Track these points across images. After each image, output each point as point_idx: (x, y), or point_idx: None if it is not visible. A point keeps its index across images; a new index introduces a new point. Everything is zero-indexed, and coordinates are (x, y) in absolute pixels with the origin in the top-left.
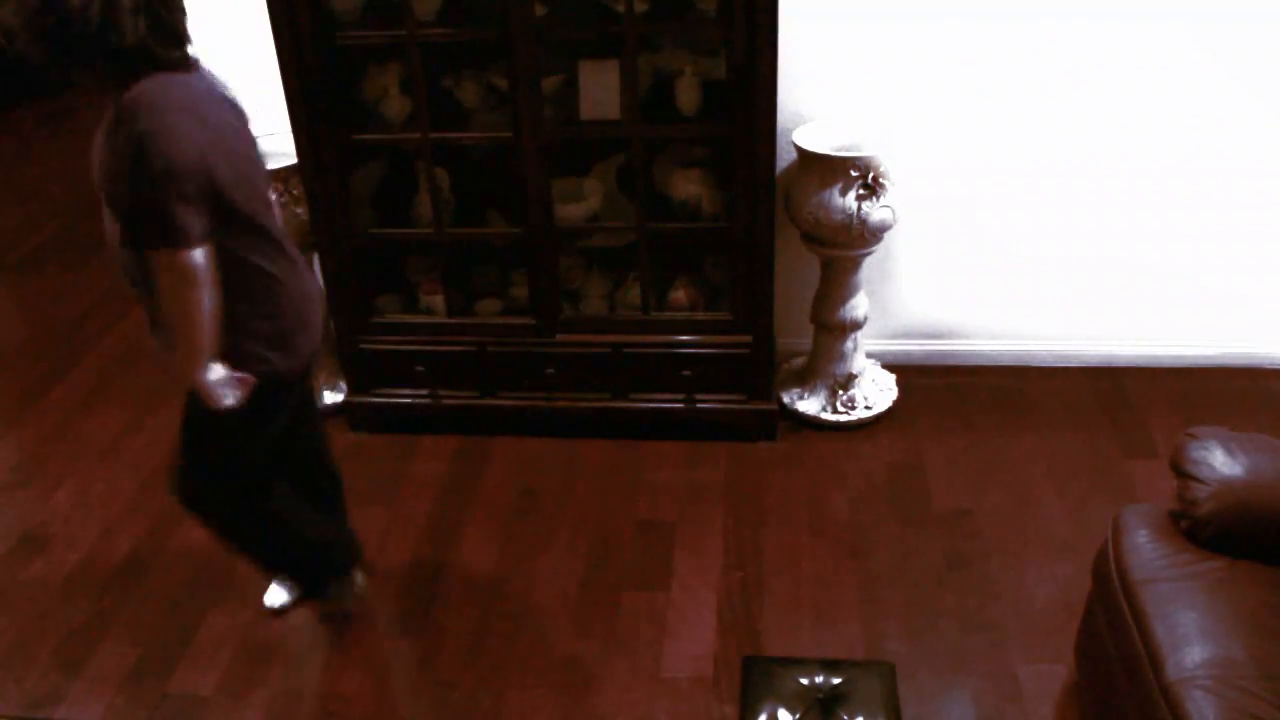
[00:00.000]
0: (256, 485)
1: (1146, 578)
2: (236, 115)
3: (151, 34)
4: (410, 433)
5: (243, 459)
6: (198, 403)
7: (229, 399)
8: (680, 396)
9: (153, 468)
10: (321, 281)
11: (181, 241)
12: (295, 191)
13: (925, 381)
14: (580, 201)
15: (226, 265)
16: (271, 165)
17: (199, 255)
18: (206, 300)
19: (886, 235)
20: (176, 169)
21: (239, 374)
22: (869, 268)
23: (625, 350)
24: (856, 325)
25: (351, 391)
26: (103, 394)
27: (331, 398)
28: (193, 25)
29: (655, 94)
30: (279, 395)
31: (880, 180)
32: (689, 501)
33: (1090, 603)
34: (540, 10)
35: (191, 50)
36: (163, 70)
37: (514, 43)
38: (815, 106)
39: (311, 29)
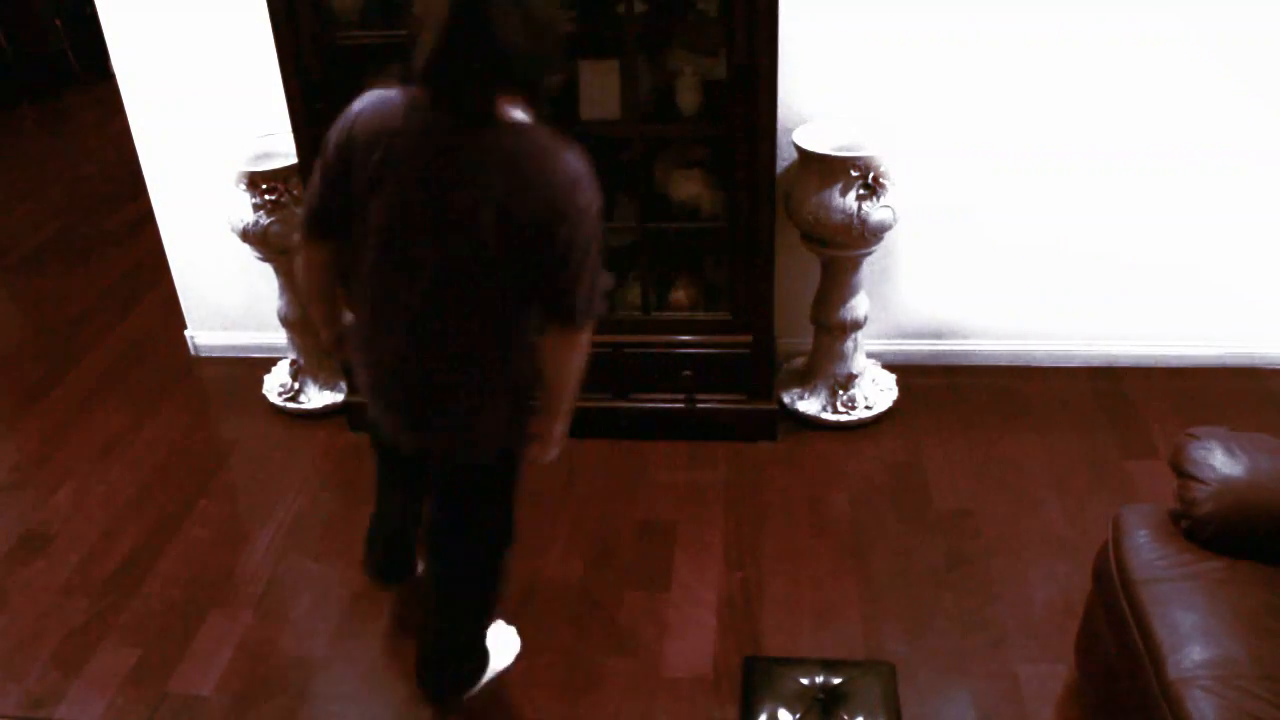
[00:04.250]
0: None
1: (1146, 578)
2: None
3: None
4: None
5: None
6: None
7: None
8: (680, 396)
9: (153, 468)
10: None
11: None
12: (295, 192)
13: (925, 381)
14: None
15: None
16: (271, 165)
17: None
18: None
19: (886, 235)
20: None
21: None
22: (869, 268)
23: (625, 350)
24: (856, 325)
25: (351, 391)
26: (103, 394)
27: (331, 398)
28: (193, 25)
29: (655, 94)
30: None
31: (880, 180)
32: (689, 501)
33: (1090, 603)
34: None
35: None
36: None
37: None
38: (815, 106)
39: (311, 29)
